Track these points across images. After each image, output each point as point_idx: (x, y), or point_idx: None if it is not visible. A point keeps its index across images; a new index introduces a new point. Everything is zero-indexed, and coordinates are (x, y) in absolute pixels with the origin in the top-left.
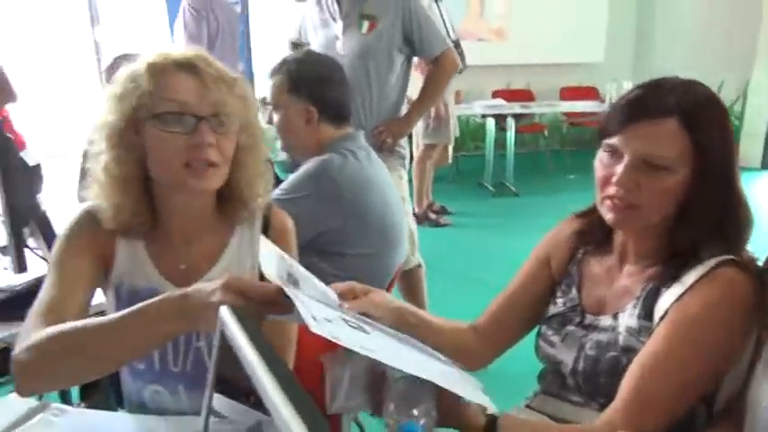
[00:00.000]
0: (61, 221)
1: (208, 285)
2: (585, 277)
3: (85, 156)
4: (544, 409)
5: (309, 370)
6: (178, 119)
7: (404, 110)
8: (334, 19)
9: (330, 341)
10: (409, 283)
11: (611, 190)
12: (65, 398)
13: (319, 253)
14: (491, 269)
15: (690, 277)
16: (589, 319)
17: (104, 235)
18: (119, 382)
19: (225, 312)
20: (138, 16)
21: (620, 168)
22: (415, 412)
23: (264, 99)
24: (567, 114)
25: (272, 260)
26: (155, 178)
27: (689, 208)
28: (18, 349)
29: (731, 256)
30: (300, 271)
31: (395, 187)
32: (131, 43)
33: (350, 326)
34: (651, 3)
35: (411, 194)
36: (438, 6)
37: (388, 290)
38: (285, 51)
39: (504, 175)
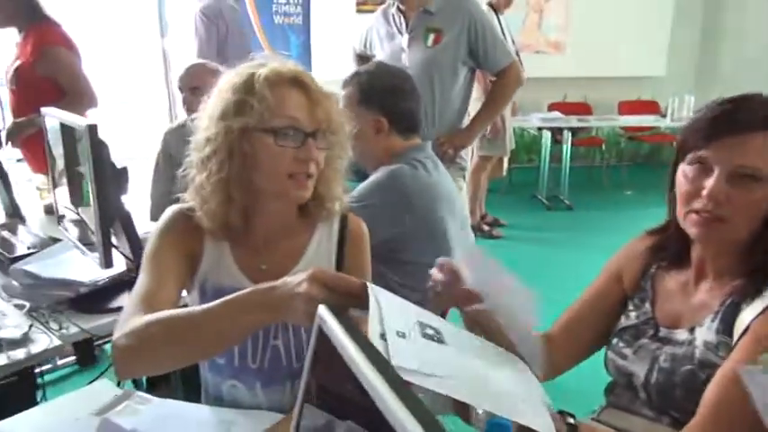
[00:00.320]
0: (137, 221)
1: (295, 278)
2: (659, 292)
3: (158, 158)
4: (612, 423)
5: None
6: (290, 134)
7: (466, 121)
8: (400, 32)
9: None
10: None
11: (699, 204)
12: (136, 387)
13: (385, 261)
14: (543, 282)
15: None
16: (663, 332)
17: (194, 234)
18: (190, 375)
19: (323, 310)
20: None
21: (710, 181)
22: None
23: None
24: (626, 129)
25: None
26: (257, 185)
27: None
28: (117, 335)
29: None
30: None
31: (459, 197)
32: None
33: (425, 334)
34: (716, 18)
35: None
36: (499, 19)
37: None
38: (346, 61)
39: (559, 189)
